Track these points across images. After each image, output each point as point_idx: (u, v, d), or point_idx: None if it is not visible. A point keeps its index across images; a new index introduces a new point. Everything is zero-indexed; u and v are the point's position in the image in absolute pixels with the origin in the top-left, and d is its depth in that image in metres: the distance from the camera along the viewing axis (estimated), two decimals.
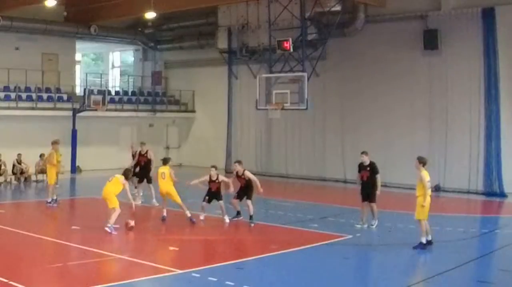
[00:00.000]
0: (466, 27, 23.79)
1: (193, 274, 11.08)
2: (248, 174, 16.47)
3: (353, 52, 26.88)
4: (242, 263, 12.12)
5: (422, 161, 13.93)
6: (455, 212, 20.12)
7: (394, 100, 25.90)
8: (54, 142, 19.17)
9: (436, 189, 24.30)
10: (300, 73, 24.20)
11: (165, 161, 16.98)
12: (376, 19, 25.99)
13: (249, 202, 16.41)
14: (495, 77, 23.30)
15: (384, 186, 24.96)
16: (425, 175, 13.55)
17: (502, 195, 22.95)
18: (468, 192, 23.60)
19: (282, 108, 24.56)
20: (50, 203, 18.86)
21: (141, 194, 20.08)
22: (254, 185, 16.38)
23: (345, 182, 26.86)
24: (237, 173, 16.56)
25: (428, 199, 13.46)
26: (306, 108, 24.07)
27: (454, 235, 15.63)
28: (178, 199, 16.39)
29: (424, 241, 13.49)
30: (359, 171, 16.11)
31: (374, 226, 15.91)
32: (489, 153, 23.42)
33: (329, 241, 13.89)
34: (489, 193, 23.21)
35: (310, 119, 27.85)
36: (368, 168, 15.88)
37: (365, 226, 15.98)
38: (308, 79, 23.90)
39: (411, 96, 25.45)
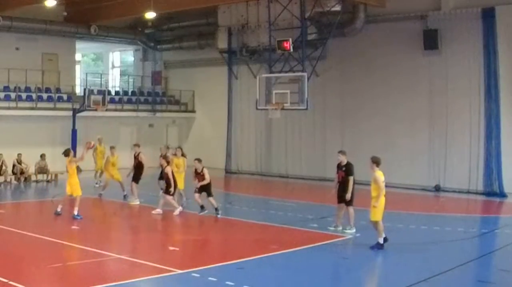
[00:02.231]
0: (466, 27, 23.80)
1: (193, 274, 11.08)
2: (206, 172, 17.34)
3: (353, 52, 26.89)
4: (242, 263, 12.11)
5: (375, 161, 13.68)
6: (455, 212, 20.14)
7: (394, 100, 25.91)
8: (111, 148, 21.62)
9: (436, 189, 24.41)
10: (300, 73, 24.18)
11: (65, 153, 17.32)
12: (376, 19, 25.99)
13: (210, 198, 17.37)
14: (495, 77, 23.31)
15: (384, 186, 25.21)
16: (380, 175, 13.43)
17: (502, 195, 22.96)
18: (468, 192, 23.60)
19: (282, 108, 24.54)
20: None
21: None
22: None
23: None
24: (196, 170, 17.41)
25: (383, 199, 13.36)
26: (306, 108, 24.06)
27: (454, 235, 15.63)
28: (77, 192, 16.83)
29: (381, 241, 13.39)
30: (337, 171, 15.46)
31: (348, 232, 14.97)
32: (489, 153, 23.42)
33: (329, 241, 13.89)
34: (489, 193, 23.22)
35: (310, 119, 27.85)
36: (344, 169, 15.20)
37: (339, 228, 15.34)
38: (308, 79, 23.88)
39: (411, 96, 25.46)
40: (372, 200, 13.45)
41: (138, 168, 20.05)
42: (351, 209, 15.17)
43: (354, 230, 15.12)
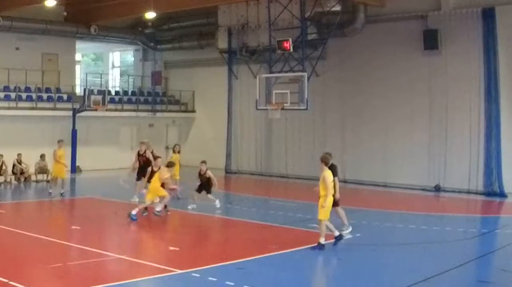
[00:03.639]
0: (466, 27, 23.79)
1: (193, 274, 11.08)
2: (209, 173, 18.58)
3: (353, 52, 26.89)
4: (242, 263, 12.11)
5: (324, 160, 13.63)
6: (455, 212, 20.14)
7: (394, 100, 25.90)
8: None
9: (436, 189, 24.41)
10: (300, 73, 24.19)
11: (170, 165, 17.82)
12: (376, 19, 25.99)
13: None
14: (495, 77, 23.31)
15: (384, 186, 25.27)
16: (328, 174, 13.34)
17: (502, 195, 22.95)
18: (468, 192, 23.59)
19: (282, 108, 24.56)
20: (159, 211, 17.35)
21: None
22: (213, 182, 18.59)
23: (345, 182, 26.76)
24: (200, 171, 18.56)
25: (330, 199, 13.22)
26: (306, 108, 24.06)
27: (454, 235, 15.63)
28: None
29: (323, 241, 13.19)
30: None
31: (345, 232, 14.55)
32: (489, 153, 23.42)
33: (329, 241, 13.88)
34: (489, 193, 23.21)
35: (310, 119, 27.84)
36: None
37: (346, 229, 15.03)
38: (308, 79, 23.89)
39: (411, 96, 25.46)
40: (320, 199, 13.31)
41: (145, 166, 20.05)
42: (339, 210, 14.87)
43: (350, 229, 14.96)
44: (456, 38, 24.07)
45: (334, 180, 14.19)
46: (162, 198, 16.95)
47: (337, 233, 13.49)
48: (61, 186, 21.32)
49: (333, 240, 13.61)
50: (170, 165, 17.77)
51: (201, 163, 18.89)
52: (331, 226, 13.49)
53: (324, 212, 13.20)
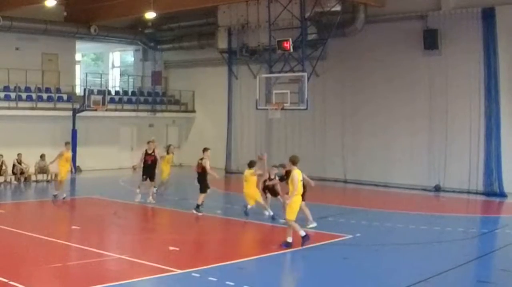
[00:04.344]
0: (466, 27, 23.80)
1: (193, 274, 11.08)
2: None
3: (353, 52, 26.88)
4: (242, 263, 12.11)
5: (291, 160, 13.74)
6: (455, 212, 20.14)
7: (394, 100, 25.92)
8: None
9: (436, 189, 24.41)
10: (300, 73, 24.20)
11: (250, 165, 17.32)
12: (376, 19, 25.98)
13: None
14: (495, 78, 23.31)
15: (384, 186, 25.27)
16: (296, 174, 13.37)
17: (502, 195, 22.96)
18: (468, 192, 23.60)
19: (282, 108, 24.56)
20: None
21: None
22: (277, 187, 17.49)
23: (345, 182, 26.86)
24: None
25: (295, 199, 13.23)
26: (306, 108, 24.06)
27: (454, 235, 15.63)
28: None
29: (290, 240, 13.28)
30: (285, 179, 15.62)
31: (310, 226, 15.22)
32: (489, 153, 23.42)
33: (329, 241, 13.89)
34: (489, 193, 23.22)
35: (310, 119, 27.83)
36: (286, 177, 15.35)
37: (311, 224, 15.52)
38: (308, 79, 23.90)
39: (411, 96, 25.48)
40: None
41: (153, 165, 19.95)
42: (303, 206, 14.98)
43: (315, 224, 15.52)
44: (456, 38, 24.07)
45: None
46: (259, 202, 16.83)
47: (303, 233, 13.38)
48: (59, 187, 20.83)
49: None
50: (251, 164, 17.15)
51: (273, 167, 17.46)
52: (297, 227, 13.43)
53: (292, 212, 13.27)
